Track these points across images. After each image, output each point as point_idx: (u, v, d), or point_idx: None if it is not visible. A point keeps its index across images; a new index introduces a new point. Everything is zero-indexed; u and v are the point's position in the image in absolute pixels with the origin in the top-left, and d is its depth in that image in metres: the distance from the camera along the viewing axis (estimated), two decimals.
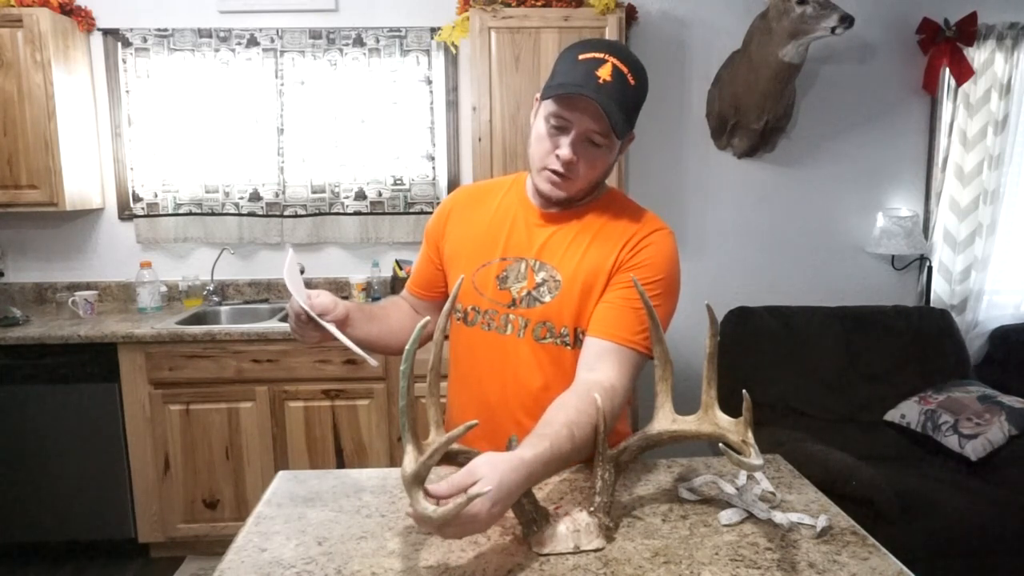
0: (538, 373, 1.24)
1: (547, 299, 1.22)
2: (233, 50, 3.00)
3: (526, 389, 1.24)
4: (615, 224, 1.24)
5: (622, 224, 1.24)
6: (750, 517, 1.08)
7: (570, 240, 1.23)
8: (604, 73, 1.11)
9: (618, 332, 1.16)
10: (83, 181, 2.94)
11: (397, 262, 3.09)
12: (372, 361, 1.21)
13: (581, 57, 1.14)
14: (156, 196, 3.06)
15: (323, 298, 1.21)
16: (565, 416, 1.03)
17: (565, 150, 1.15)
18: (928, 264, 3.25)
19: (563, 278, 1.21)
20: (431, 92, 3.05)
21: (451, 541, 0.99)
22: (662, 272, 1.20)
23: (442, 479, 0.90)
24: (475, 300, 1.27)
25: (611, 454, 1.06)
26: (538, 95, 1.20)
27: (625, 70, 1.13)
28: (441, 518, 0.84)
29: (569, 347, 1.22)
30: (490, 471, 0.89)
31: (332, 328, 1.20)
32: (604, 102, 1.10)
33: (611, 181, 2.68)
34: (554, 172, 1.17)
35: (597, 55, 1.13)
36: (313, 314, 1.19)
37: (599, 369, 1.14)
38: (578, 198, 1.23)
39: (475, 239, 1.30)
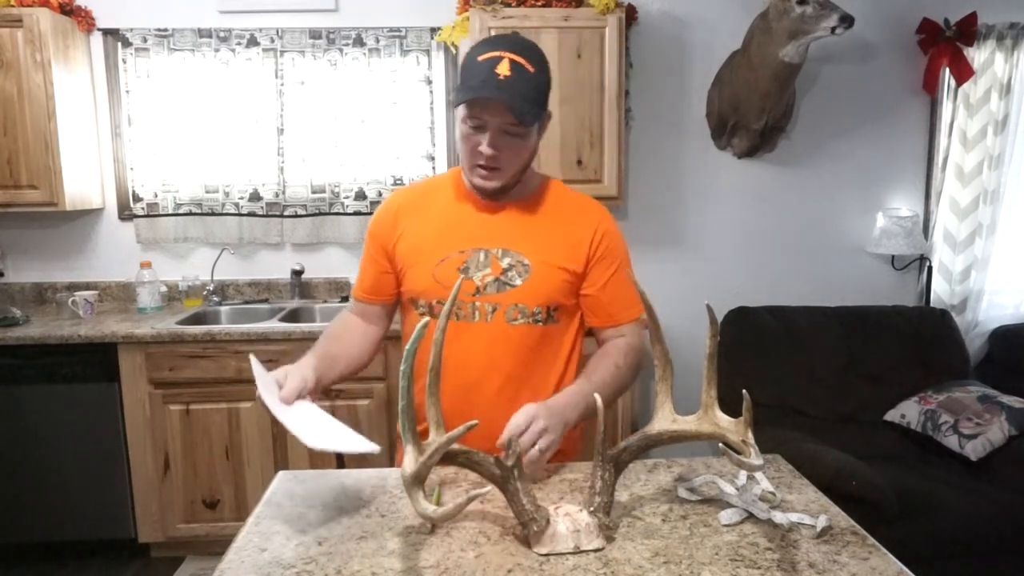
0: (510, 354, 1.32)
1: (518, 283, 1.31)
2: (233, 50, 3.00)
3: (499, 370, 1.32)
4: (569, 212, 1.36)
5: (576, 212, 1.37)
6: (750, 517, 1.08)
7: (528, 227, 1.34)
8: (503, 69, 1.18)
9: (624, 315, 1.36)
10: (83, 181, 2.94)
11: None
12: (375, 448, 1.10)
13: (480, 58, 1.21)
14: (156, 196, 3.05)
15: (291, 383, 1.17)
16: (609, 360, 1.32)
17: (485, 147, 1.23)
18: (928, 264, 3.25)
19: (532, 262, 1.31)
20: (431, 92, 3.05)
21: (451, 540, 1.00)
22: (623, 250, 1.39)
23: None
24: (439, 293, 1.33)
25: (611, 454, 1.06)
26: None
27: (522, 61, 1.20)
28: (441, 518, 0.84)
29: (541, 324, 1.33)
30: (544, 411, 1.13)
31: (326, 444, 1.09)
32: (507, 98, 1.17)
33: (612, 181, 2.72)
34: (481, 167, 1.26)
35: (494, 53, 1.20)
36: (292, 431, 1.10)
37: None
38: (512, 184, 1.32)
39: (429, 236, 1.36)
